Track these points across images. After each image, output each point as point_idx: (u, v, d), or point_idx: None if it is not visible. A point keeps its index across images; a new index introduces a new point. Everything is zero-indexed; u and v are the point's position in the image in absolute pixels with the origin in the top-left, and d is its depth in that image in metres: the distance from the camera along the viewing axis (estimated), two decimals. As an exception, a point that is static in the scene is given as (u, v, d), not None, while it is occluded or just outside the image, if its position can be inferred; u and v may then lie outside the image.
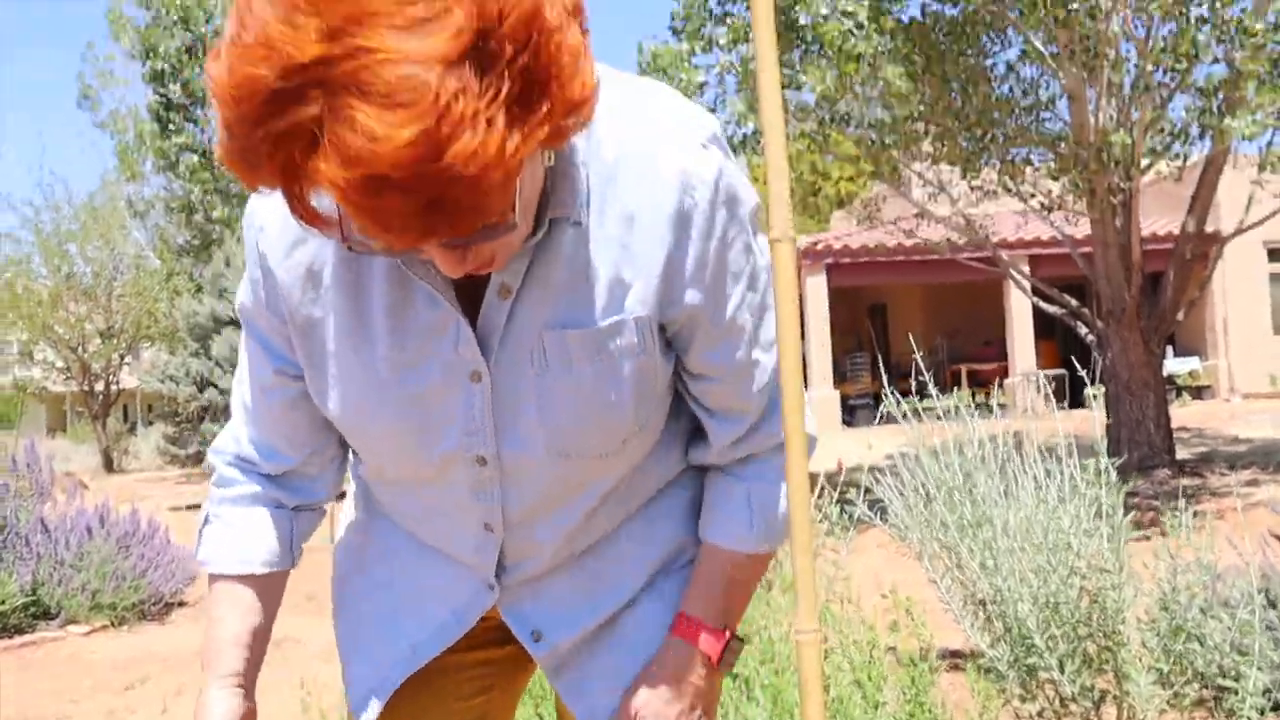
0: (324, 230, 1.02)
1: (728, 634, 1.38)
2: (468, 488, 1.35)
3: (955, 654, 3.92)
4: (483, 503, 1.36)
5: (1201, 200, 10.62)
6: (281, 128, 0.91)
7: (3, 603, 6.35)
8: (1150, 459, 10.31)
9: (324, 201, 0.98)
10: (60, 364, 26.95)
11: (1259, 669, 2.95)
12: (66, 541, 6.89)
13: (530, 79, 0.92)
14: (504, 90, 0.90)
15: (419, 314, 1.26)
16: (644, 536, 1.45)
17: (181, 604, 7.40)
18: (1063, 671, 2.88)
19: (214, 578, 1.41)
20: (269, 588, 1.43)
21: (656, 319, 1.27)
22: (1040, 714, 3.10)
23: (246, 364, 1.42)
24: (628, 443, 1.35)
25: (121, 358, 26.83)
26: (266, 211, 1.28)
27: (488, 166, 0.90)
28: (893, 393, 3.72)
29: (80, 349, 26.14)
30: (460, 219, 0.95)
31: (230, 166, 1.00)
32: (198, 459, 15.55)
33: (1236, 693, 2.92)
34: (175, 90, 24.52)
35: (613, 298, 1.25)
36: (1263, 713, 2.95)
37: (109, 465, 25.32)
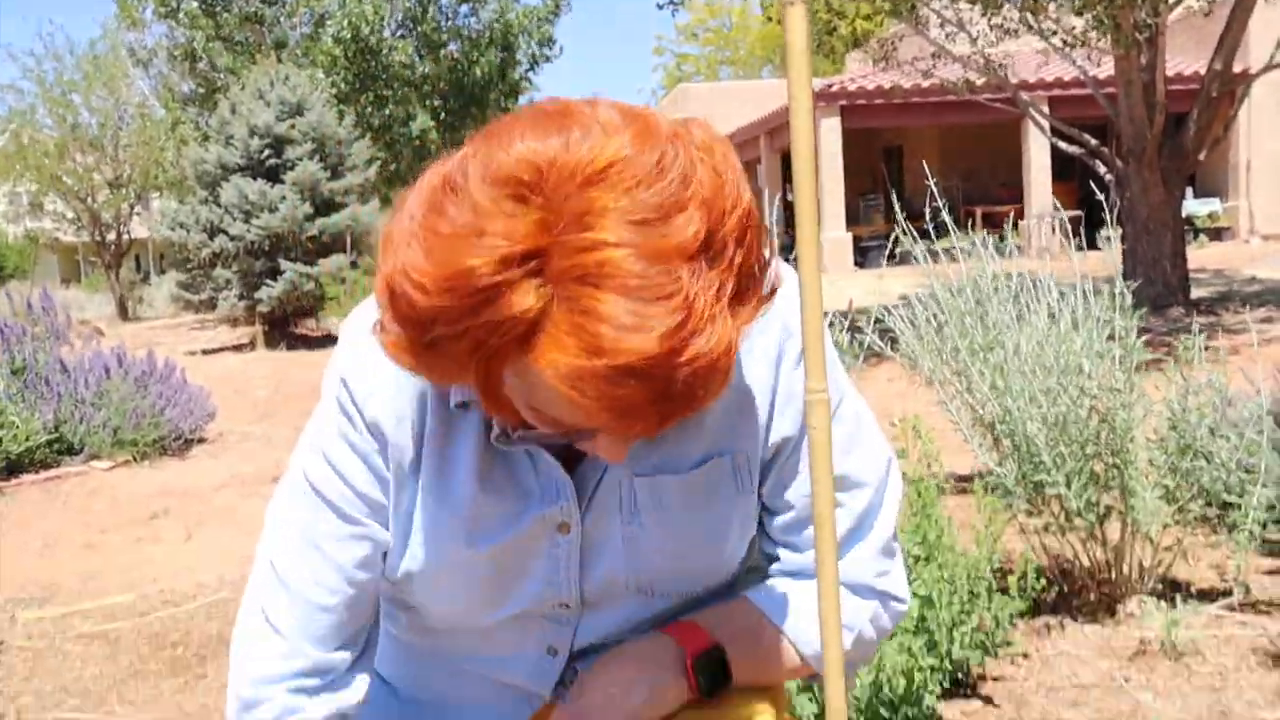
0: (504, 418, 1.05)
1: (714, 642, 1.24)
2: (540, 622, 1.31)
3: (963, 479, 3.98)
4: (554, 629, 1.31)
5: (1231, 36, 10.31)
6: (497, 319, 0.91)
7: (28, 439, 6.47)
8: (1165, 297, 10.28)
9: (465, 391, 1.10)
10: (70, 215, 26.88)
11: (1264, 486, 2.99)
12: (85, 381, 7.00)
13: (744, 274, 0.94)
14: (729, 287, 0.92)
15: (511, 476, 1.23)
16: None
17: (201, 440, 7.53)
18: (1069, 488, 2.92)
19: None
20: None
21: (757, 456, 1.27)
22: (1045, 528, 3.16)
23: (319, 554, 1.25)
24: (713, 584, 1.33)
25: (131, 207, 26.74)
26: (372, 376, 1.20)
27: (719, 359, 0.93)
28: (906, 231, 3.69)
29: (89, 199, 26.04)
30: (689, 407, 0.97)
31: (407, 357, 0.99)
32: (210, 305, 15.62)
33: (1240, 508, 2.96)
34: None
35: (710, 440, 1.25)
36: (1264, 526, 3.00)
37: (124, 314, 25.51)
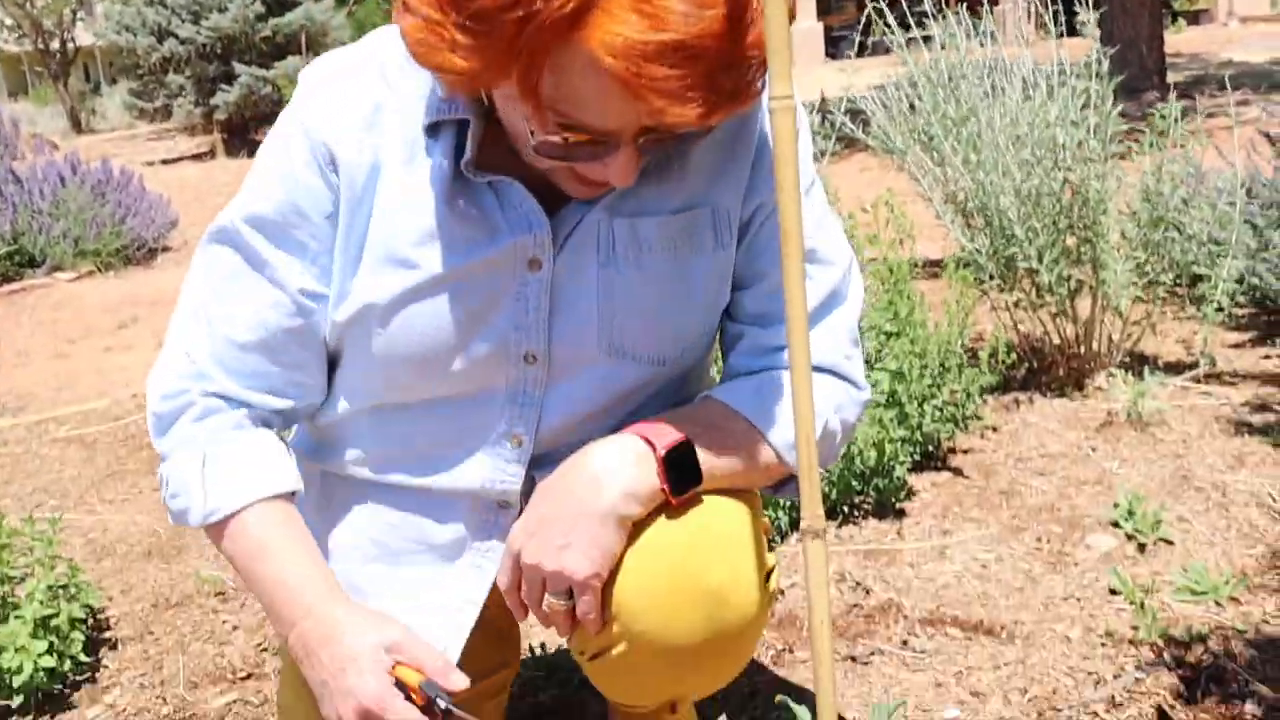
0: (535, 116, 1.01)
1: (683, 438, 1.19)
2: (505, 393, 1.27)
3: (934, 263, 3.98)
4: (519, 409, 1.28)
5: None
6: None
7: (-15, 251, 6.37)
8: (1140, 80, 10.11)
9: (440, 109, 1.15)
10: (9, 22, 25.81)
11: (1234, 258, 2.99)
12: (40, 191, 6.84)
13: None
14: None
15: (480, 210, 1.20)
16: None
17: (166, 249, 7.43)
18: (1041, 262, 2.92)
19: (229, 520, 1.25)
20: (297, 516, 1.30)
21: (737, 214, 1.25)
22: (1017, 304, 3.17)
23: (247, 293, 1.25)
24: (685, 354, 1.31)
25: (74, 12, 25.68)
26: (322, 105, 1.20)
27: (760, 49, 0.93)
28: (879, 19, 3.56)
29: (27, 4, 24.95)
30: (736, 102, 0.98)
31: (438, 42, 0.97)
32: (166, 113, 15.20)
33: (1210, 280, 2.97)
34: None
35: (692, 189, 1.22)
36: (1233, 298, 3.02)
37: (77, 126, 24.81)
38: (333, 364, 1.34)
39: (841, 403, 1.31)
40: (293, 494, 1.29)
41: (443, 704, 1.13)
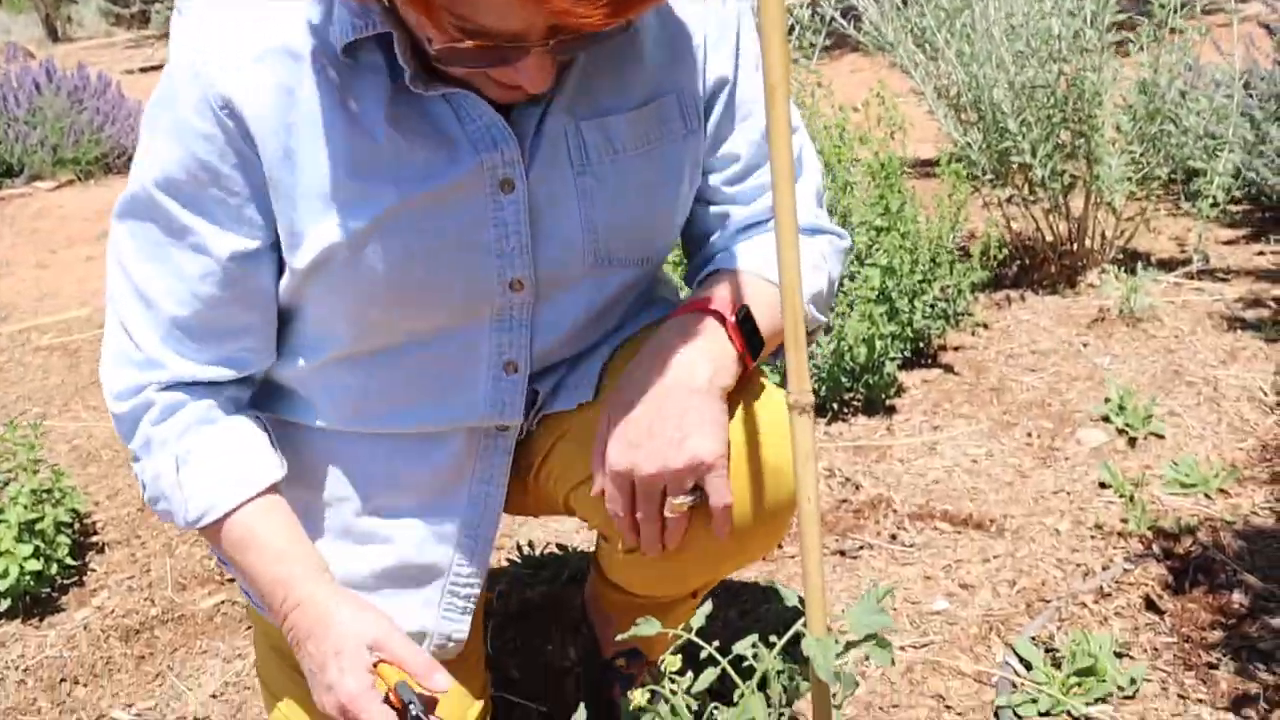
0: (430, 21, 0.94)
1: (742, 302, 1.18)
2: (491, 322, 1.22)
3: (927, 163, 3.92)
4: (508, 335, 1.23)
5: None
6: None
7: (-39, 160, 6.25)
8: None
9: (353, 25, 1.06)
10: (-19, -73, 25.13)
11: (1231, 151, 2.94)
12: (15, 99, 6.70)
13: None
14: None
15: (433, 124, 1.11)
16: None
17: (146, 159, 7.30)
18: (1035, 156, 2.87)
19: (219, 524, 1.20)
20: (281, 504, 1.25)
21: (700, 94, 1.22)
22: (1009, 200, 3.13)
23: (174, 266, 1.16)
24: (667, 246, 1.30)
25: (46, -83, 24.99)
26: (203, 51, 1.08)
27: None
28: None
29: (0, -91, 24.28)
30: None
31: None
32: (143, 19, 14.89)
33: (1205, 174, 2.93)
34: None
35: (651, 79, 1.18)
36: (1228, 192, 2.97)
37: (53, 35, 24.27)
38: (285, 320, 1.26)
39: (827, 252, 1.31)
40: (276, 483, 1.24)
41: (415, 710, 1.10)
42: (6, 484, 2.22)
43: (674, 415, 1.10)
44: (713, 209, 1.31)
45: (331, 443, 1.30)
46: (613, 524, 1.18)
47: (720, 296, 1.18)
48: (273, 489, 1.23)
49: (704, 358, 1.13)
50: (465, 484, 1.32)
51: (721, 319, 1.15)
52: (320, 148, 1.10)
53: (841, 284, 2.38)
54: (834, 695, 0.83)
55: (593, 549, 1.68)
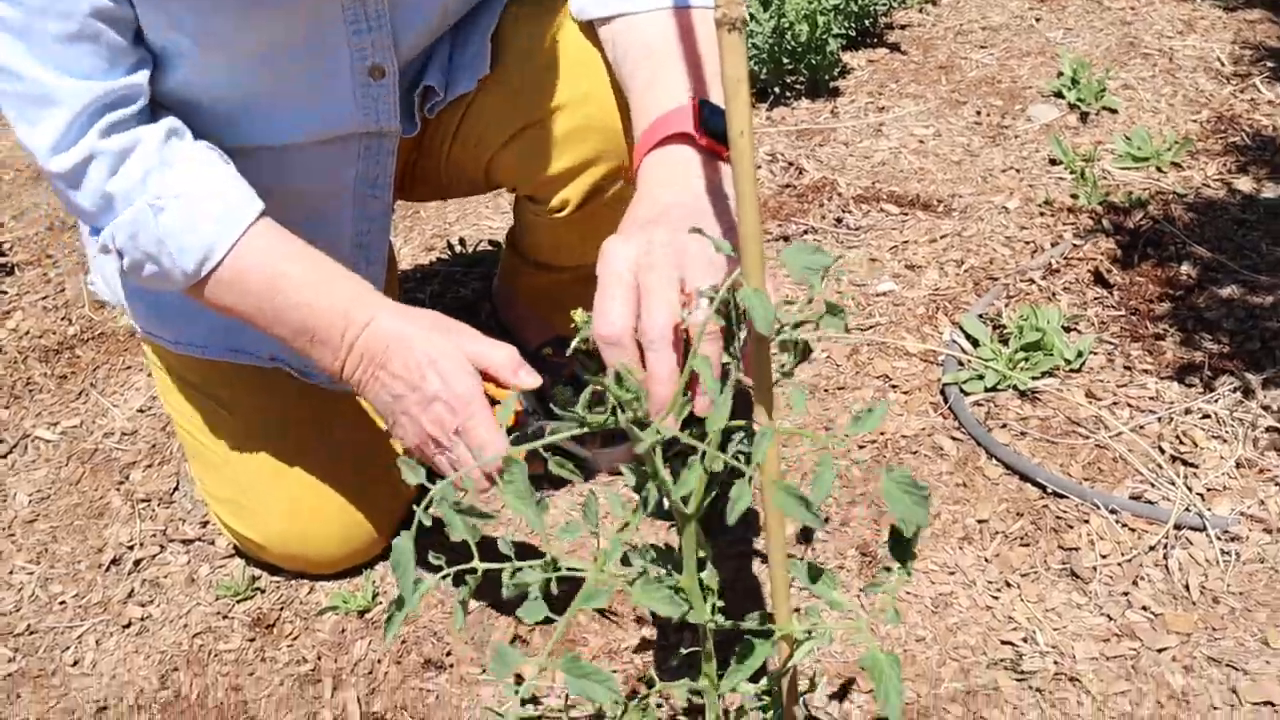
0: None
1: (698, 98, 0.99)
2: (346, 24, 1.11)
3: None
4: (368, 36, 1.13)
5: None
6: None
7: None
8: None
9: None
10: None
11: None
12: None
13: None
14: None
15: None
16: None
17: None
18: None
19: (229, 270, 1.07)
20: (283, 230, 1.12)
21: None
22: None
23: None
24: None
25: None
26: None
27: None
28: None
29: None
30: None
31: None
32: None
33: None
34: None
35: None
36: None
37: None
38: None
39: None
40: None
41: (534, 421, 1.02)
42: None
43: (691, 220, 0.91)
44: None
45: None
46: (540, 185, 1.17)
47: (666, 105, 1.01)
48: (264, 214, 1.12)
49: (697, 174, 0.96)
50: (349, 192, 1.28)
51: (691, 139, 0.98)
52: None
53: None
54: (781, 361, 0.77)
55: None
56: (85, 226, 1.29)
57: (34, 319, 2.02)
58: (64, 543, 1.53)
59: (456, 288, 1.90)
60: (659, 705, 1.17)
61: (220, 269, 1.09)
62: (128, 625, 1.39)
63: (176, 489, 1.59)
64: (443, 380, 1.03)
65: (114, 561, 1.48)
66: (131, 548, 1.50)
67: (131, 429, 1.71)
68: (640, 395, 0.75)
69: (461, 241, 1.98)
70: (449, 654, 1.30)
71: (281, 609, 1.38)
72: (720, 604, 0.86)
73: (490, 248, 1.96)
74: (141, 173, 1.08)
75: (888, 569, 0.82)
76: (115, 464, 1.65)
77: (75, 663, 1.35)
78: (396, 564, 0.76)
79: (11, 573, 1.49)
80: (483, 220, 2.10)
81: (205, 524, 1.52)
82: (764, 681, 0.91)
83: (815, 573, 0.81)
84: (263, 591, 1.41)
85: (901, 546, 0.82)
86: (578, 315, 0.85)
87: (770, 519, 0.82)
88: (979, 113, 2.27)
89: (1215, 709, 1.16)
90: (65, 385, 1.84)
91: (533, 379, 1.05)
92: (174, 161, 1.09)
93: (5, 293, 2.12)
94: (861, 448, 1.53)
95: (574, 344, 0.84)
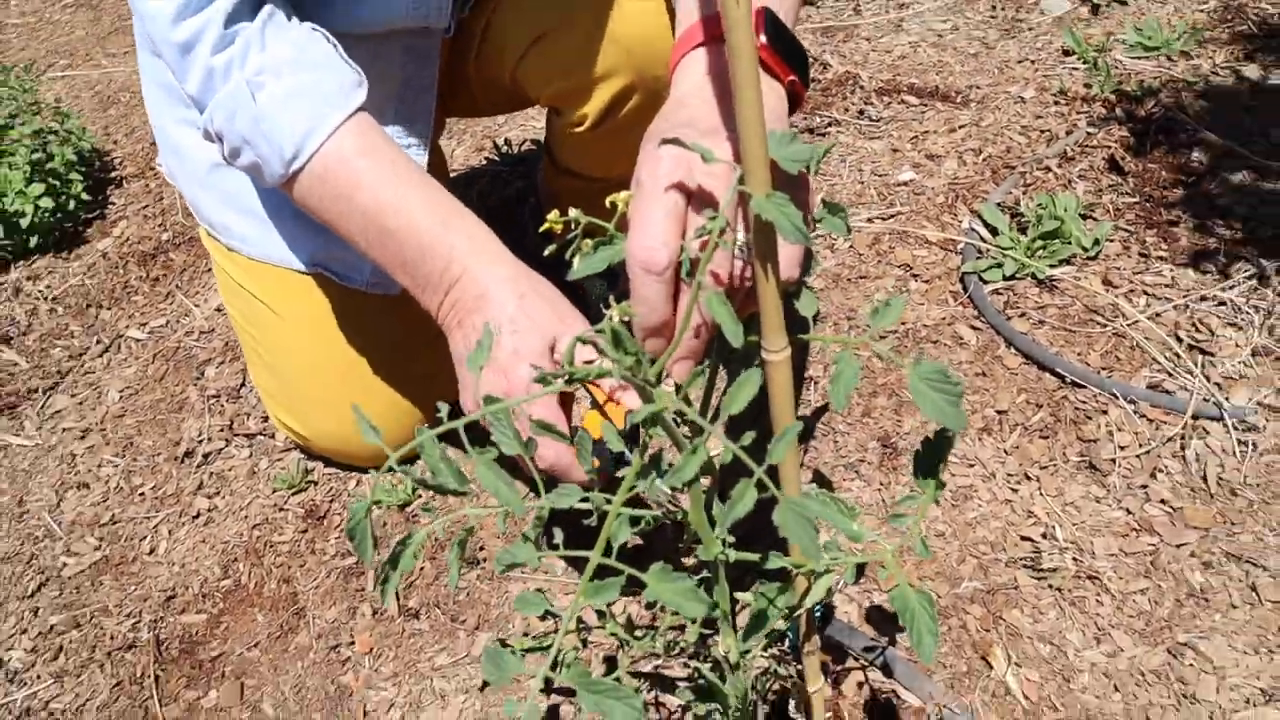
0: None
1: (768, 22, 0.66)
2: None
3: None
4: None
5: None
6: None
7: None
8: None
9: None
10: None
11: None
12: None
13: None
14: None
15: None
16: None
17: None
18: None
19: (311, 164, 0.81)
20: (386, 139, 0.86)
21: None
22: None
23: None
24: None
25: None
26: None
27: None
28: None
29: None
30: None
31: None
32: None
33: None
34: None
35: None
36: None
37: None
38: None
39: None
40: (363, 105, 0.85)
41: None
42: (8, 127, 1.85)
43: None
44: None
45: None
46: (559, 96, 0.96)
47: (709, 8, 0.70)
48: (363, 108, 0.86)
49: (774, 94, 0.66)
50: (395, 93, 1.03)
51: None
52: None
53: None
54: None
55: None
56: (152, 105, 1.08)
57: (135, 227, 1.82)
58: (146, 436, 1.34)
59: (503, 186, 1.65)
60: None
61: (310, 168, 0.83)
62: (196, 516, 1.21)
63: (242, 385, 1.39)
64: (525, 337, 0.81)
65: (187, 454, 1.30)
66: (201, 442, 1.31)
67: (209, 327, 1.51)
68: (642, 358, 0.49)
69: (508, 142, 1.72)
70: (482, 548, 1.10)
71: (331, 500, 1.19)
72: (731, 539, 0.64)
73: (533, 147, 1.70)
74: (243, 46, 0.83)
75: (910, 497, 0.58)
76: (193, 361, 1.45)
77: (151, 551, 1.18)
78: (352, 534, 0.54)
79: (100, 465, 1.31)
80: (530, 120, 1.83)
81: (266, 419, 1.32)
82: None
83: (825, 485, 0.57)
84: (315, 484, 1.22)
85: (929, 459, 0.58)
86: (574, 213, 0.59)
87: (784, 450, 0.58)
88: (994, 7, 1.93)
89: (1234, 607, 0.92)
90: (157, 287, 1.64)
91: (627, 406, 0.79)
92: (274, 40, 0.84)
93: (114, 204, 1.91)
94: (883, 337, 1.27)
95: (583, 264, 0.58)
